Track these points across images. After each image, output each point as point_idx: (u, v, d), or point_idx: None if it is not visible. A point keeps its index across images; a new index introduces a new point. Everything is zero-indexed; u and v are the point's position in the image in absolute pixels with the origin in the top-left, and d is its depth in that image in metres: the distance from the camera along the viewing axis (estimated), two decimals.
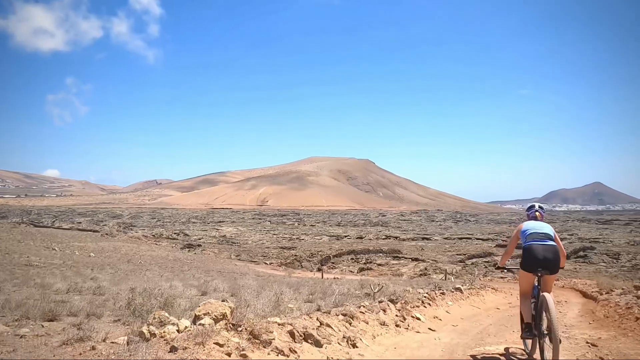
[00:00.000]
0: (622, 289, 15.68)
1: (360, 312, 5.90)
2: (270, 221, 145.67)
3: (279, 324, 4.11)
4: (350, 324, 5.29)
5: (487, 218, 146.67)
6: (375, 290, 7.64)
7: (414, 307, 7.72)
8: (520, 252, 5.30)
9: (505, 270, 5.82)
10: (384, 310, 6.48)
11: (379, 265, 51.50)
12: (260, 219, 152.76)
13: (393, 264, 51.56)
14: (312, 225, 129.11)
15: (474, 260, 53.81)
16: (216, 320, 3.64)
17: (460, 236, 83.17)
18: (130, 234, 68.38)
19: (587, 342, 7.61)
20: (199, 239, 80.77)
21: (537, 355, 4.90)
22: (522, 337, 5.20)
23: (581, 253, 56.15)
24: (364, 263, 52.34)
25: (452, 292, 11.24)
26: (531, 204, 5.75)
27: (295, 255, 60.50)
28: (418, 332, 6.50)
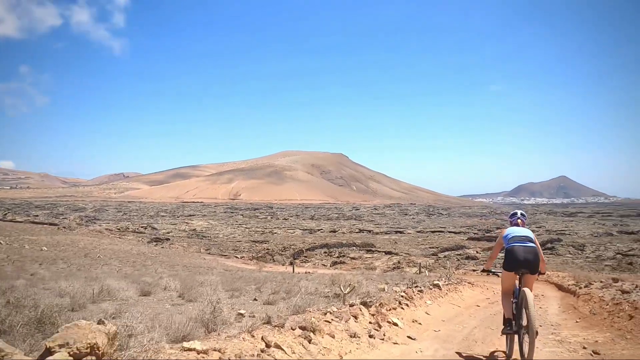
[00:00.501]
0: (601, 281, 15.13)
1: (326, 320, 4.79)
2: (242, 215, 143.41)
3: (198, 352, 2.93)
4: (309, 341, 4.17)
5: (458, 212, 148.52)
6: (346, 292, 6.55)
7: (390, 309, 6.67)
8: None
9: (491, 273, 5.89)
10: (355, 317, 5.39)
11: (352, 259, 50.78)
12: (232, 212, 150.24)
13: (366, 257, 50.91)
14: (285, 219, 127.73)
15: (446, 253, 53.74)
16: (77, 357, 2.32)
17: (432, 229, 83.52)
18: (91, 228, 65.11)
19: (585, 347, 6.73)
20: (168, 233, 78.28)
21: (516, 354, 5.10)
22: (502, 333, 5.39)
23: (549, 245, 56.92)
24: (337, 257, 51.52)
25: (431, 289, 10.28)
26: (514, 211, 5.99)
27: (267, 249, 59.26)
28: (396, 343, 5.44)
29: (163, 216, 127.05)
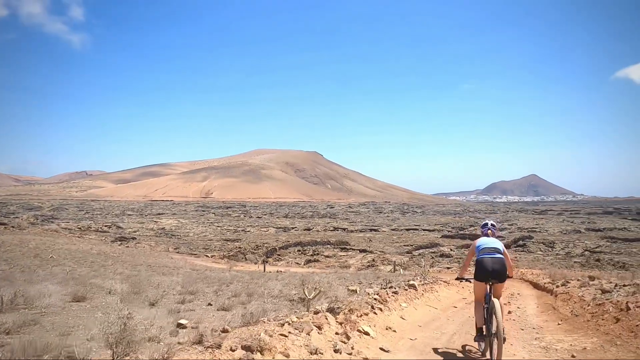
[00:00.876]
0: (578, 279, 14.78)
1: (282, 334, 3.93)
2: (214, 213, 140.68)
3: None
4: None
5: (433, 209, 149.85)
6: (311, 296, 5.71)
7: (361, 315, 5.87)
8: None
9: (464, 280, 6.25)
10: (320, 327, 4.55)
11: (327, 257, 50.09)
12: (203, 211, 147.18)
13: (341, 255, 50.29)
14: (258, 217, 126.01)
15: (421, 251, 53.66)
16: None
17: (407, 227, 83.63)
18: (47, 227, 61.65)
19: (574, 356, 6.09)
20: (134, 232, 75.66)
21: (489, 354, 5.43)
22: (475, 340, 5.83)
23: (520, 242, 57.64)
24: (311, 255, 50.71)
25: (406, 289, 9.52)
26: (485, 221, 6.35)
27: (240, 248, 57.93)
28: (366, 358, 4.62)
29: (130, 215, 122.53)
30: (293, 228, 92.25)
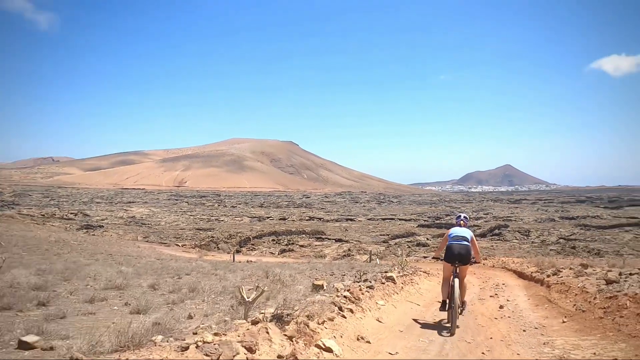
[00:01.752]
0: (570, 268, 13.48)
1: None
2: (187, 202, 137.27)
3: None
4: None
5: (409, 199, 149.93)
6: (250, 299, 3.96)
7: (323, 322, 4.20)
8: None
9: (440, 260, 7.38)
10: (252, 347, 2.82)
11: (302, 246, 48.58)
12: (177, 199, 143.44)
13: (316, 245, 48.82)
14: (233, 207, 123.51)
15: (397, 240, 52.66)
16: None
17: (383, 217, 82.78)
18: (0, 213, 57.58)
19: None
20: (102, 220, 72.56)
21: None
22: (440, 310, 7.14)
23: (496, 231, 57.32)
24: (286, 244, 49.09)
25: (383, 283, 7.93)
26: (458, 214, 7.89)
27: (212, 237, 55.83)
28: None
29: (98, 203, 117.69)
30: (268, 217, 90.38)
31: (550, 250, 39.77)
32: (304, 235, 55.17)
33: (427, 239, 50.88)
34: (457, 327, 6.32)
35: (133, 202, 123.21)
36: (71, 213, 77.67)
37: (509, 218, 70.71)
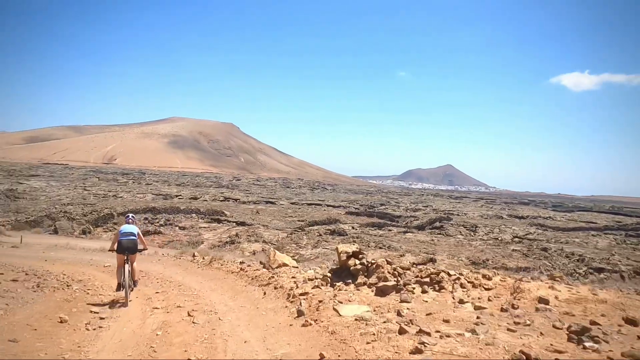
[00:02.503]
0: None
1: None
2: (98, 178, 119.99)
3: None
4: None
5: (345, 188, 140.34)
6: None
7: None
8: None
9: (114, 252, 9.19)
10: None
11: (181, 228, 35.96)
12: (90, 175, 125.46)
13: (201, 227, 36.29)
14: (147, 184, 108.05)
15: (315, 227, 41.20)
16: None
17: (309, 202, 71.42)
18: None
19: None
20: None
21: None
22: (116, 290, 9.09)
23: (437, 224, 47.60)
24: (159, 225, 36.21)
25: None
26: (127, 214, 10.52)
27: (67, 212, 41.66)
28: None
29: None
30: (177, 196, 76.60)
31: (513, 250, 30.04)
32: (194, 215, 42.32)
33: (353, 227, 40.00)
34: (130, 300, 8.67)
35: (36, 176, 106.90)
36: None
37: (451, 212, 61.65)
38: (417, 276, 9.10)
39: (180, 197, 77.63)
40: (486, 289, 8.60)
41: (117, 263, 9.11)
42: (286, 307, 8.37)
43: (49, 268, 12.20)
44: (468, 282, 8.85)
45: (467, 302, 7.91)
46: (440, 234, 40.82)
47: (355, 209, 62.93)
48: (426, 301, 8.07)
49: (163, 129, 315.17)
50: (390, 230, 43.00)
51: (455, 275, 9.06)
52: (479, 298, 8.14)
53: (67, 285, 9.94)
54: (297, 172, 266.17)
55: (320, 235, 32.16)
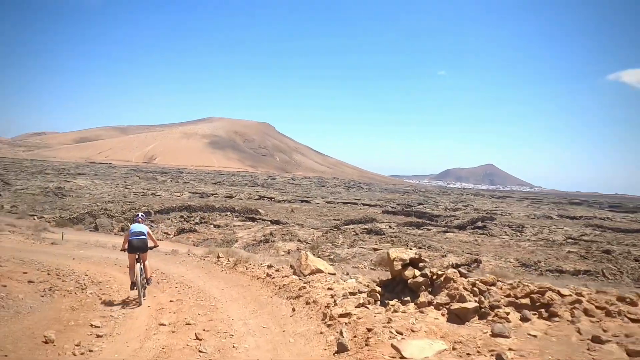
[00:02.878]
0: None
1: None
2: (139, 176, 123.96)
3: None
4: None
5: (381, 187, 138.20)
6: None
7: None
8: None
9: (125, 251, 9.07)
10: None
11: (216, 226, 35.58)
12: (131, 174, 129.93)
13: (235, 225, 35.78)
14: (185, 183, 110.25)
15: (351, 226, 40.00)
16: None
17: (345, 201, 70.21)
18: None
19: None
20: (21, 190, 63.26)
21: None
22: (130, 289, 8.93)
23: (479, 223, 45.41)
24: (194, 223, 35.98)
25: None
26: (137, 213, 10.18)
27: (106, 210, 42.31)
28: None
29: (47, 174, 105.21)
30: (213, 194, 77.42)
31: (569, 252, 27.76)
32: (228, 213, 41.96)
33: (390, 226, 38.57)
34: (145, 298, 8.68)
35: (82, 174, 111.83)
36: None
37: (494, 212, 58.84)
38: (508, 295, 6.55)
39: (216, 195, 78.29)
40: (633, 321, 5.69)
41: (129, 262, 9.01)
42: (321, 333, 6.55)
43: (74, 267, 11.61)
44: (597, 307, 6.03)
45: (607, 340, 5.13)
46: (483, 233, 38.77)
47: (392, 207, 61.25)
48: (534, 336, 5.49)
49: (201, 129, 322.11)
50: (429, 229, 41.34)
51: (571, 295, 6.28)
52: (626, 335, 5.25)
53: (82, 289, 9.34)
54: (333, 172, 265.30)
55: (357, 234, 30.93)
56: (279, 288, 9.63)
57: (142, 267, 8.88)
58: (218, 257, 14.04)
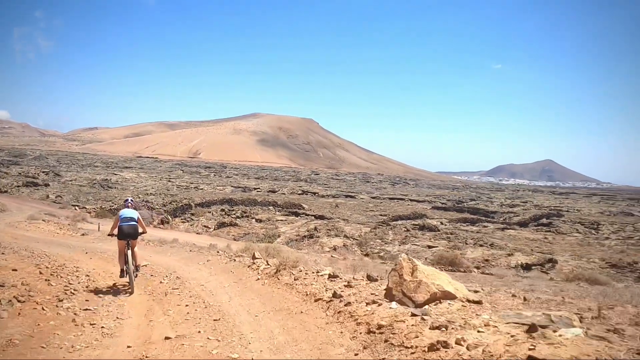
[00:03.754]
0: None
1: None
2: (183, 170, 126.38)
3: None
4: None
5: (428, 183, 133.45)
6: None
7: None
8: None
9: (114, 236, 8.62)
10: None
11: (257, 220, 33.91)
12: (175, 168, 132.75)
13: (278, 220, 34.00)
14: (227, 177, 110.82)
15: (400, 222, 37.31)
16: None
17: (391, 196, 67.26)
18: None
19: None
20: (70, 181, 65.82)
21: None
22: (120, 277, 8.50)
23: (544, 220, 41.40)
24: (236, 217, 34.48)
25: None
26: (126, 197, 9.83)
27: (147, 202, 41.77)
28: None
29: (96, 167, 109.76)
30: (256, 189, 76.60)
31: None
32: (271, 208, 40.27)
33: (441, 222, 35.56)
34: (136, 279, 8.42)
35: (128, 167, 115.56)
36: (43, 172, 75.55)
37: (559, 208, 53.89)
38: None
39: (258, 189, 77.46)
40: None
41: (119, 249, 8.65)
42: None
43: (82, 264, 10.02)
44: None
45: None
46: (549, 231, 34.99)
47: (442, 203, 57.76)
48: None
49: (246, 125, 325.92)
50: (485, 226, 38.04)
51: None
52: None
53: (71, 295, 7.09)
54: (377, 168, 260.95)
55: (408, 230, 28.30)
56: (368, 333, 5.00)
57: (132, 253, 8.48)
58: (253, 257, 10.38)
